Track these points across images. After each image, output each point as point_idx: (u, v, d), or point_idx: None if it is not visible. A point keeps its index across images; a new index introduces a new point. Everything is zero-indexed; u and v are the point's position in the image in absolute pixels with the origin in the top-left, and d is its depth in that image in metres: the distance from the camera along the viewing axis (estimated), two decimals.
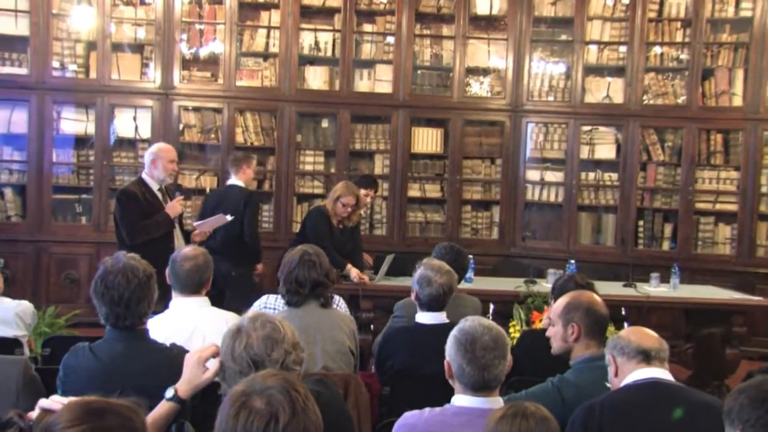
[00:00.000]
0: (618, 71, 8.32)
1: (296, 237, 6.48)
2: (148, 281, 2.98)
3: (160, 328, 3.43)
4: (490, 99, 8.46)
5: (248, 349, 2.37)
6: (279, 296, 4.08)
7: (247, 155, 7.00)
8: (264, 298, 4.27)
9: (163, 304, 3.60)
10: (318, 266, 3.92)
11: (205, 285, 3.71)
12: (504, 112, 8.40)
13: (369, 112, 8.34)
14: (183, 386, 2.59)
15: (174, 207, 5.84)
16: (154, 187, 5.81)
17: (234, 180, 6.75)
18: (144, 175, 5.83)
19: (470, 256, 5.94)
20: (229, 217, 6.13)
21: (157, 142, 6.28)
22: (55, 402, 1.96)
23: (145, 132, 8.09)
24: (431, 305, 4.05)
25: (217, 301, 3.92)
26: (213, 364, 2.56)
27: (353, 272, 6.09)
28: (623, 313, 6.07)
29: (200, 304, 3.68)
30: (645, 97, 8.24)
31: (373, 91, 8.35)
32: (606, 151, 8.36)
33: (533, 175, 8.47)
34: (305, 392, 1.89)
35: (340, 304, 4.34)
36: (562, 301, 3.50)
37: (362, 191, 6.72)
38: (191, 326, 3.56)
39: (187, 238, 5.98)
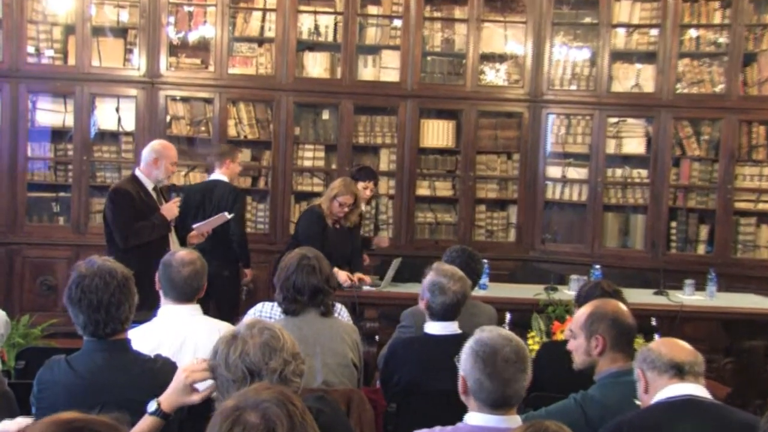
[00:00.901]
0: (649, 57, 8.31)
1: (292, 239, 6.48)
2: (126, 283, 2.98)
3: (146, 339, 3.44)
4: (507, 88, 8.46)
5: (244, 357, 2.37)
6: (275, 304, 4.08)
7: (233, 148, 7.02)
8: (259, 306, 4.27)
9: (147, 313, 3.60)
10: (318, 271, 3.92)
11: (200, 292, 3.73)
12: (522, 103, 8.39)
13: (374, 103, 8.33)
14: (167, 398, 2.58)
15: (170, 209, 5.86)
16: (149, 186, 5.82)
17: (218, 174, 6.73)
18: (138, 173, 5.84)
19: (484, 261, 5.93)
20: (228, 215, 6.16)
21: (159, 140, 6.26)
22: (16, 424, 1.95)
23: (129, 124, 8.10)
24: (444, 315, 4.05)
25: (204, 306, 3.91)
26: (203, 388, 2.55)
27: (341, 276, 6.05)
28: (654, 323, 6.04)
29: (191, 312, 3.69)
30: (679, 86, 8.21)
31: (378, 80, 8.36)
32: (635, 145, 8.35)
33: (554, 171, 8.47)
34: (302, 407, 1.88)
35: (342, 312, 4.34)
36: (585, 310, 3.49)
37: (360, 184, 6.71)
38: (181, 337, 3.57)
39: (183, 241, 6.01)
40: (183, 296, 3.68)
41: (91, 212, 8.01)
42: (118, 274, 2.97)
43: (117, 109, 8.12)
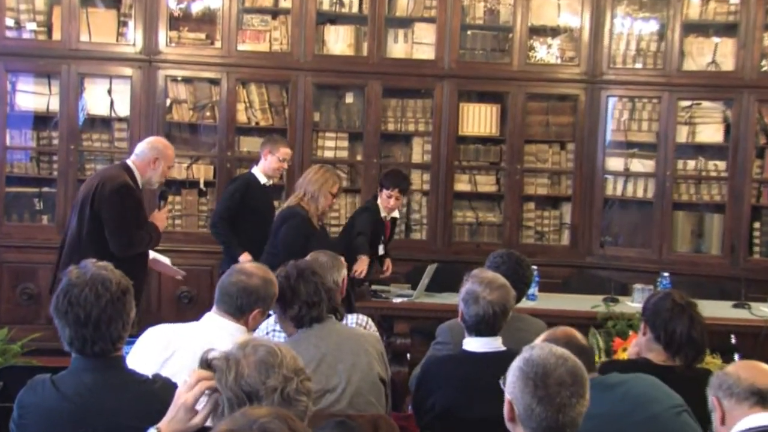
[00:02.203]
0: (728, 29, 8.25)
1: (269, 248, 6.34)
2: (122, 297, 2.99)
3: (160, 337, 3.61)
4: (561, 67, 8.44)
5: (240, 380, 2.40)
6: (274, 317, 4.18)
7: (273, 138, 7.09)
8: (271, 320, 4.32)
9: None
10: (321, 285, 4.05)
11: (246, 311, 3.79)
12: (578, 84, 8.36)
13: (405, 84, 8.35)
14: (168, 425, 2.59)
15: (162, 219, 5.97)
16: (140, 183, 5.90)
17: (254, 169, 6.88)
18: (132, 165, 5.89)
19: (534, 267, 5.93)
20: (172, 268, 6.37)
21: (158, 137, 6.32)
22: None
23: (123, 109, 8.13)
24: (478, 328, 4.06)
25: None
26: (205, 405, 2.56)
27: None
28: (733, 341, 6.00)
29: (231, 331, 3.73)
30: (764, 63, 8.16)
31: (410, 57, 8.36)
32: (711, 132, 8.30)
33: (615, 163, 8.44)
34: (305, 428, 1.89)
35: (369, 325, 4.43)
36: (538, 340, 3.46)
37: (384, 193, 6.77)
38: (200, 351, 3.64)
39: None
40: (221, 305, 3.79)
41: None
42: (112, 285, 2.98)
43: (109, 92, 8.16)
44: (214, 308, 3.82)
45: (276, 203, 7.19)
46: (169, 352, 3.63)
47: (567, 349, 3.30)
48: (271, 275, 3.91)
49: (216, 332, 3.71)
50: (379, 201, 6.91)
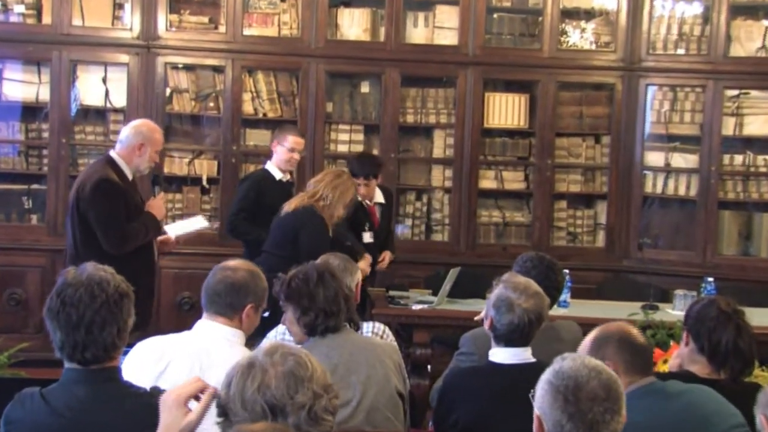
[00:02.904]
0: None
1: (289, 249, 6.11)
2: (119, 301, 2.99)
3: (151, 350, 3.62)
4: (595, 53, 8.42)
5: (264, 390, 2.38)
6: None
7: (282, 127, 7.19)
8: (282, 326, 4.32)
9: (137, 334, 3.67)
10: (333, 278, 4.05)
11: (236, 310, 3.81)
12: (614, 71, 8.36)
13: (426, 72, 8.36)
14: None
15: (159, 207, 5.96)
16: (128, 174, 5.91)
17: (268, 164, 6.94)
18: (116, 156, 5.90)
19: (566, 272, 5.91)
20: (206, 222, 6.34)
21: (144, 119, 6.29)
22: None
23: (119, 99, 8.14)
24: (512, 338, 4.04)
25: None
26: (199, 403, 2.56)
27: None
28: None
29: (225, 335, 3.77)
30: None
31: (431, 43, 8.37)
32: (760, 124, 8.28)
33: (655, 158, 8.42)
34: None
35: (386, 334, 4.45)
36: (589, 336, 3.59)
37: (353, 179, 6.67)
38: (190, 362, 3.67)
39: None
40: (211, 307, 3.82)
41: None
42: (109, 287, 2.98)
43: (104, 80, 8.17)
44: (204, 314, 3.85)
45: None
46: (163, 364, 3.64)
47: (621, 347, 3.46)
48: (256, 268, 3.95)
49: (211, 339, 3.74)
50: None
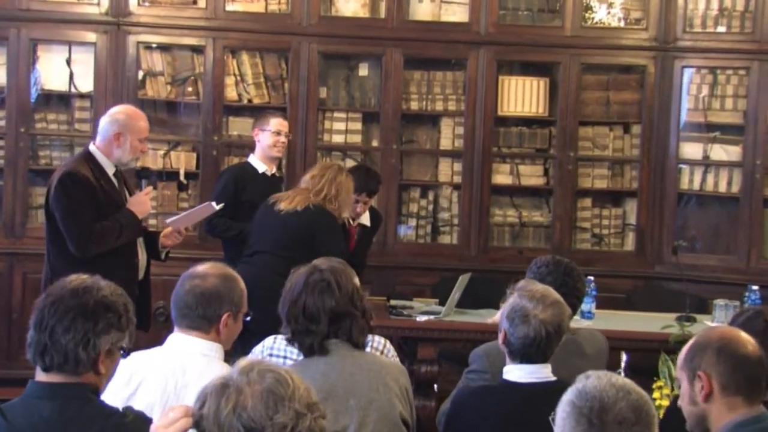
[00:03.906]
0: None
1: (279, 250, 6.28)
2: (96, 310, 3.04)
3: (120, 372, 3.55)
4: (624, 31, 8.44)
5: (239, 412, 2.36)
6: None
7: (261, 114, 7.21)
8: (269, 340, 4.33)
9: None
10: (336, 287, 3.96)
11: (211, 322, 3.83)
12: (646, 52, 8.36)
13: (432, 53, 8.37)
14: None
15: (142, 203, 5.90)
16: (109, 170, 5.85)
17: (251, 157, 7.02)
18: (94, 149, 5.87)
19: (589, 278, 5.88)
20: (217, 206, 6.23)
21: (124, 105, 6.28)
22: None
23: (86, 83, 8.14)
24: (528, 354, 4.04)
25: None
26: None
27: None
28: None
29: (201, 349, 3.78)
30: None
31: (438, 20, 8.38)
32: None
33: (692, 150, 8.43)
34: None
35: (386, 349, 4.39)
36: (691, 341, 3.48)
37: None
38: (166, 380, 3.70)
39: (153, 247, 6.06)
40: (182, 321, 3.83)
41: (32, 207, 8.07)
42: (93, 293, 3.05)
43: (68, 62, 8.16)
44: (175, 328, 3.85)
45: None
46: (133, 386, 3.67)
47: (722, 356, 3.31)
48: (229, 270, 3.95)
49: (185, 354, 3.75)
50: None
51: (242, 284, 3.92)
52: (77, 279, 3.09)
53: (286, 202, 6.26)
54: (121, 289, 3.14)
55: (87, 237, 5.62)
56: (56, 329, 2.97)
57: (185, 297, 3.81)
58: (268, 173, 6.92)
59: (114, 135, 5.81)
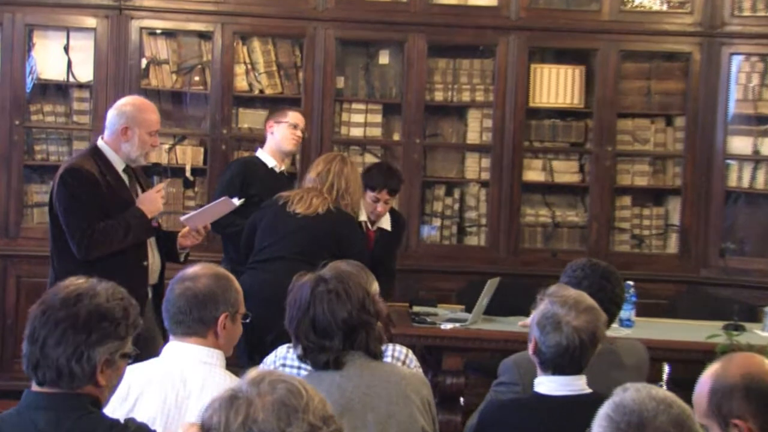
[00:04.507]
0: None
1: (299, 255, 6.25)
2: (89, 321, 3.03)
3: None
4: (667, 15, 8.41)
5: (250, 426, 2.35)
6: None
7: (276, 108, 7.19)
8: (281, 350, 4.30)
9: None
10: (346, 297, 3.91)
11: (208, 326, 3.83)
12: (691, 38, 8.34)
13: (459, 40, 8.39)
14: None
15: (152, 201, 5.86)
16: (118, 166, 5.83)
17: (260, 151, 7.05)
18: (102, 145, 5.85)
19: (629, 283, 5.85)
20: (237, 201, 6.22)
21: (133, 96, 6.27)
22: None
23: (85, 72, 8.16)
24: (561, 364, 4.02)
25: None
26: None
27: None
28: None
29: (200, 357, 3.79)
30: None
31: (465, 3, 8.40)
32: None
33: (741, 144, 8.42)
34: None
35: (408, 359, 4.38)
36: (705, 382, 3.35)
37: (369, 194, 6.81)
38: (165, 393, 3.70)
39: (171, 247, 6.04)
40: (177, 328, 3.83)
41: (26, 205, 8.11)
42: (86, 301, 3.03)
43: (66, 49, 8.18)
44: (171, 337, 3.86)
45: None
46: (131, 401, 3.68)
47: (752, 396, 3.22)
48: (221, 270, 3.97)
49: (184, 364, 3.75)
50: (362, 203, 6.93)
51: (237, 284, 3.93)
52: (71, 285, 3.09)
53: (302, 204, 6.25)
54: (122, 292, 3.14)
55: (89, 237, 5.60)
56: (47, 342, 2.98)
57: (177, 302, 3.81)
58: (277, 169, 6.93)
59: (121, 129, 5.78)
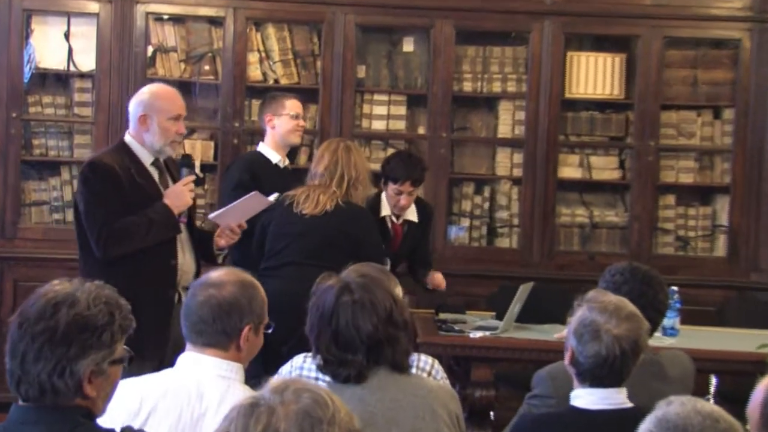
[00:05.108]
0: None
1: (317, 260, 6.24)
2: (70, 333, 2.98)
3: (127, 398, 3.62)
4: None
5: None
6: None
7: (271, 96, 7.18)
8: (298, 360, 4.35)
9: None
10: (372, 307, 3.88)
11: (231, 338, 3.81)
12: (741, 23, 8.35)
13: (489, 25, 8.40)
14: None
15: (179, 195, 5.81)
16: (146, 159, 5.83)
17: (261, 146, 7.01)
18: (129, 139, 5.85)
19: (673, 289, 5.84)
20: (272, 197, 6.26)
21: (154, 83, 6.25)
22: None
23: (87, 60, 8.19)
24: (600, 376, 4.00)
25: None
26: None
27: None
28: None
29: (219, 370, 3.78)
30: None
31: None
32: None
33: None
34: None
35: (435, 370, 4.40)
36: (759, 392, 3.32)
37: (391, 186, 6.87)
38: (186, 408, 3.69)
39: (207, 247, 6.05)
40: (198, 338, 3.80)
41: (24, 204, 8.14)
42: (65, 310, 2.99)
43: (67, 36, 8.21)
44: (188, 345, 3.83)
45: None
46: (143, 417, 3.65)
47: None
48: (247, 276, 3.94)
49: (201, 377, 3.73)
50: (383, 196, 7.00)
51: (263, 292, 3.91)
52: (49, 292, 3.04)
53: (308, 204, 6.26)
54: (106, 294, 3.08)
55: (107, 234, 5.58)
56: (26, 358, 2.96)
57: (200, 310, 3.77)
58: (281, 165, 6.93)
59: (140, 118, 5.77)
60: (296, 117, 6.95)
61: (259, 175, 6.78)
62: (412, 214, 7.10)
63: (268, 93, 7.71)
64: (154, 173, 5.82)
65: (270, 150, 6.94)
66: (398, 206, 6.90)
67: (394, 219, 6.99)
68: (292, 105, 6.98)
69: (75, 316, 2.99)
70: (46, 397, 2.98)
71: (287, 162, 7.06)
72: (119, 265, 5.42)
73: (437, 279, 7.13)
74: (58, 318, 2.97)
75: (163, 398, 3.66)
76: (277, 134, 6.92)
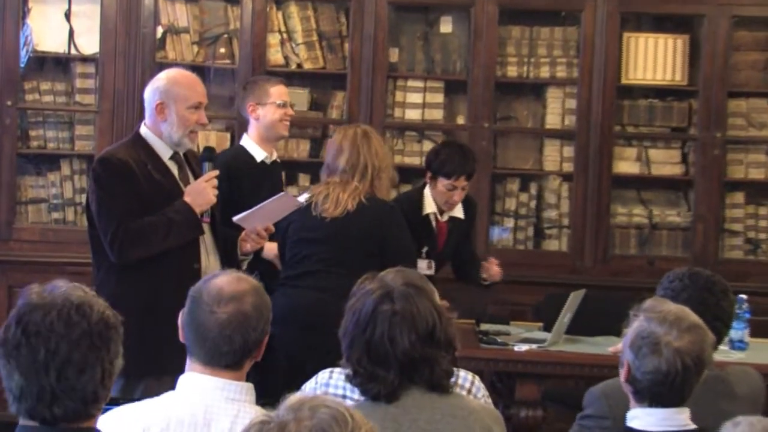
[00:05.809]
0: None
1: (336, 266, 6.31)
2: (105, 333, 2.97)
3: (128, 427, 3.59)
4: None
5: None
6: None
7: (253, 81, 7.12)
8: (323, 375, 4.30)
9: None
10: (414, 320, 3.83)
11: (250, 354, 3.77)
12: None
13: (536, 3, 8.49)
14: None
15: (200, 191, 5.79)
16: (164, 153, 5.82)
17: (244, 139, 6.95)
18: (145, 131, 5.84)
19: (740, 297, 5.78)
20: (302, 199, 6.25)
21: (168, 71, 6.21)
22: None
23: (89, 43, 8.20)
24: (659, 394, 3.94)
25: None
26: None
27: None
28: None
29: (228, 392, 3.72)
30: None
31: None
32: None
33: None
34: None
35: (475, 388, 4.33)
36: None
37: (441, 182, 6.88)
38: None
39: (231, 252, 6.04)
40: (213, 359, 3.71)
41: (20, 202, 8.17)
42: (93, 312, 2.96)
43: (68, 16, 8.22)
44: (196, 366, 3.74)
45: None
46: None
47: None
48: (252, 278, 3.86)
49: (209, 401, 3.66)
50: (426, 192, 6.96)
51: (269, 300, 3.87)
52: (53, 296, 2.97)
53: (328, 205, 6.25)
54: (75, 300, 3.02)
55: (122, 236, 5.57)
56: (66, 370, 2.89)
57: (225, 330, 3.67)
58: (268, 161, 6.83)
59: (156, 107, 5.75)
60: (283, 105, 6.81)
61: (238, 175, 6.64)
62: (458, 210, 7.11)
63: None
64: (174, 168, 5.82)
65: (253, 144, 6.82)
66: (449, 202, 6.89)
67: (438, 216, 6.96)
68: (278, 92, 6.84)
69: (102, 315, 2.98)
70: (86, 411, 2.95)
71: (275, 156, 6.94)
72: (137, 270, 5.46)
73: (494, 268, 7.05)
74: (91, 317, 2.94)
75: (169, 426, 3.61)
76: (262, 125, 6.77)
